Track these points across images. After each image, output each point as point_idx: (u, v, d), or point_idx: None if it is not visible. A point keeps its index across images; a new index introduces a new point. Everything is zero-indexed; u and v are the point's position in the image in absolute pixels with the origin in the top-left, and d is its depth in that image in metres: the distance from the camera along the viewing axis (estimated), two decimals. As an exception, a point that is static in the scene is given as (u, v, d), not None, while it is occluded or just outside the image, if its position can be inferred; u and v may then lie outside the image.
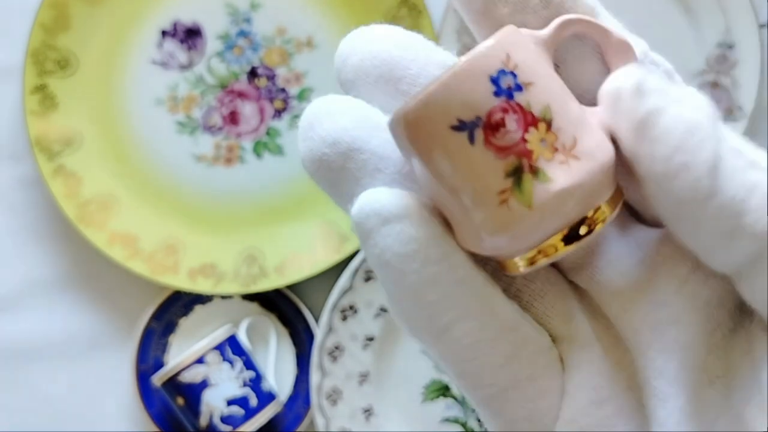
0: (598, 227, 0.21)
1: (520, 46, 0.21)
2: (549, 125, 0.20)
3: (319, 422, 0.63)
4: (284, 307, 0.66)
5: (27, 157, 0.65)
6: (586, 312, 0.23)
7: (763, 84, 0.62)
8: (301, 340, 0.66)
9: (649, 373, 0.22)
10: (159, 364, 0.65)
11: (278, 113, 0.66)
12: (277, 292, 0.65)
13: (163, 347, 0.66)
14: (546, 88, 0.20)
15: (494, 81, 0.20)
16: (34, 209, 0.66)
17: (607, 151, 0.20)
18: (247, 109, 0.66)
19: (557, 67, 0.22)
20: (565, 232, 0.21)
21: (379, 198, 0.21)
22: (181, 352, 0.64)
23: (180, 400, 0.62)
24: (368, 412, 0.64)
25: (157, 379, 0.62)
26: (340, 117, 0.22)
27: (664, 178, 0.19)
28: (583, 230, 0.21)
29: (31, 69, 0.63)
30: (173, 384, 0.62)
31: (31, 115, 0.63)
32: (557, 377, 0.22)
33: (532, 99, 0.20)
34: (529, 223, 0.20)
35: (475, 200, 0.20)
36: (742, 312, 0.22)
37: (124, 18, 0.65)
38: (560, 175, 0.20)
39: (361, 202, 0.21)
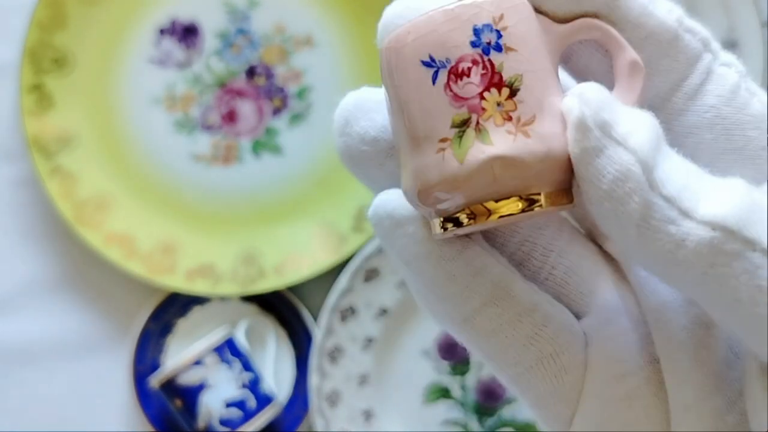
0: (513, 212, 0.20)
1: (521, 17, 0.20)
2: (513, 93, 0.20)
3: (319, 424, 0.63)
4: (283, 308, 0.65)
5: (23, 157, 0.64)
6: (618, 283, 0.24)
7: (765, 83, 0.62)
8: (300, 341, 0.65)
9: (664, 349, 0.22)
10: (156, 366, 0.65)
11: (277, 112, 0.65)
12: (276, 294, 0.65)
13: (161, 349, 0.65)
14: (527, 61, 0.20)
15: (476, 32, 0.20)
16: (31, 209, 0.65)
17: (561, 145, 0.20)
18: (246, 108, 0.65)
19: (569, 61, 0.22)
20: (479, 205, 0.20)
21: (392, 201, 0.22)
22: (179, 353, 0.64)
23: (178, 402, 0.61)
24: (368, 414, 0.64)
25: (155, 380, 0.61)
26: (377, 114, 0.23)
27: (597, 217, 0.20)
28: (498, 209, 0.20)
29: (27, 68, 0.63)
30: (171, 386, 0.61)
31: (27, 114, 0.63)
32: (580, 352, 0.23)
33: (506, 63, 0.20)
34: (455, 178, 0.20)
35: (419, 140, 0.21)
36: None
37: (121, 16, 0.65)
38: (501, 143, 0.20)
39: (375, 205, 0.23)
